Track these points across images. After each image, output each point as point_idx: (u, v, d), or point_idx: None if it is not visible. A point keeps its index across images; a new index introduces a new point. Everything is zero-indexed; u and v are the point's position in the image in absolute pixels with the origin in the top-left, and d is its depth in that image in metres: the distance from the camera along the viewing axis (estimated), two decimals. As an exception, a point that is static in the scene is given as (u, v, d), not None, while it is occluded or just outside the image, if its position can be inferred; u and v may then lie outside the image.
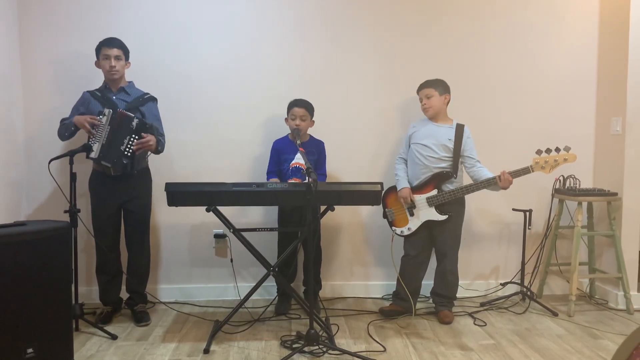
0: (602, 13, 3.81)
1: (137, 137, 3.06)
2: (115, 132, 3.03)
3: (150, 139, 3.10)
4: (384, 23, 3.74)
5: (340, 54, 3.73)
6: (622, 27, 3.59)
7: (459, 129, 3.29)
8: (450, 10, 3.76)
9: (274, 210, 3.66)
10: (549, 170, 3.16)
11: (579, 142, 3.87)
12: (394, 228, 3.38)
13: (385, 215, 3.42)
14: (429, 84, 3.33)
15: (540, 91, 3.85)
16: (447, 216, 3.24)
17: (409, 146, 3.40)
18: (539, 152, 3.17)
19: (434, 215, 3.25)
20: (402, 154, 3.47)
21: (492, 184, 3.16)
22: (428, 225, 3.29)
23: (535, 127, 3.85)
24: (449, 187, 3.26)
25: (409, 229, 3.32)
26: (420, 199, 3.27)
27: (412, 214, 3.31)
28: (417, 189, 3.29)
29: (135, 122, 3.05)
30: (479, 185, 3.19)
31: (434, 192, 3.25)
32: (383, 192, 3.40)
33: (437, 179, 3.26)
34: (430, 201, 3.25)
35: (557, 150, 3.15)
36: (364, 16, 3.72)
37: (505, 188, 3.15)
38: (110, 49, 3.15)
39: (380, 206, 3.35)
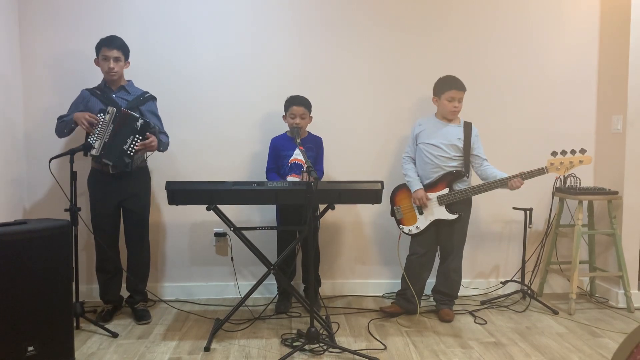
0: (603, 11, 3.80)
1: (140, 137, 3.07)
2: (118, 131, 3.03)
3: (152, 139, 3.11)
4: (385, 21, 3.73)
5: (341, 51, 3.73)
6: (622, 25, 3.58)
7: (467, 127, 3.28)
8: (452, 9, 3.76)
9: (271, 208, 3.65)
10: (563, 172, 3.15)
11: (579, 140, 3.86)
12: (401, 226, 3.35)
13: (393, 213, 3.39)
14: (463, 87, 3.26)
15: (541, 89, 3.85)
16: (457, 215, 3.22)
17: (416, 145, 3.37)
18: (553, 153, 3.15)
19: (444, 214, 3.23)
20: (408, 153, 3.42)
21: (504, 184, 3.14)
22: (436, 224, 3.27)
23: (536, 125, 3.84)
24: (460, 186, 3.24)
25: (417, 227, 3.30)
26: (431, 197, 3.25)
27: (421, 213, 3.29)
28: (427, 187, 3.27)
29: (140, 122, 3.06)
30: (491, 184, 3.17)
31: (446, 190, 3.22)
32: (392, 189, 3.41)
33: (449, 178, 3.24)
34: (441, 200, 3.23)
35: (573, 152, 3.14)
36: (366, 14, 3.72)
37: (513, 189, 3.14)
38: (110, 50, 3.13)
39: (382, 204, 3.33)
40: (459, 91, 3.25)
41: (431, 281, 3.49)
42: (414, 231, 3.31)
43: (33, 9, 3.51)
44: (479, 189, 3.19)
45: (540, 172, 3.14)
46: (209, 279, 3.78)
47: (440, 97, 3.30)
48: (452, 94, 3.25)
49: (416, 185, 3.28)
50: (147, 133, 3.09)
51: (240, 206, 3.67)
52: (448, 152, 3.25)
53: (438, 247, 3.41)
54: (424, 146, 3.31)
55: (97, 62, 3.20)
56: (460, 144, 3.25)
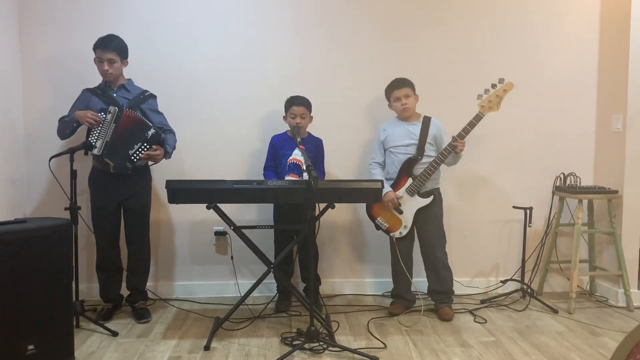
0: (603, 10, 3.80)
1: (148, 146, 3.08)
2: (125, 133, 3.03)
3: (159, 153, 3.14)
4: (383, 20, 3.73)
5: (341, 51, 3.72)
6: (623, 24, 3.58)
7: (425, 121, 3.33)
8: (450, 8, 3.75)
9: (268, 207, 3.64)
10: (497, 107, 3.19)
11: (579, 139, 3.87)
12: (392, 234, 3.36)
13: (377, 227, 3.40)
14: (406, 84, 3.33)
15: (541, 89, 3.84)
16: (432, 197, 3.26)
17: (384, 149, 3.41)
18: (479, 97, 3.20)
19: (420, 202, 3.27)
20: (375, 159, 3.45)
21: (450, 151, 3.17)
22: (417, 216, 3.30)
23: (536, 124, 3.84)
24: (419, 170, 3.27)
25: (405, 227, 3.31)
26: (401, 193, 3.29)
27: (401, 212, 3.31)
28: (393, 187, 3.31)
29: (151, 132, 3.08)
30: (443, 152, 3.18)
31: (409, 180, 3.27)
32: (365, 206, 3.44)
33: (406, 168, 3.29)
34: (410, 191, 3.27)
35: (494, 86, 3.18)
36: (363, 14, 3.71)
37: (459, 152, 3.18)
38: (104, 52, 3.10)
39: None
40: (400, 89, 3.31)
41: (421, 280, 3.50)
42: (405, 232, 3.32)
43: (33, 8, 3.50)
44: (435, 163, 3.20)
45: (478, 118, 3.17)
46: (209, 278, 3.78)
47: (390, 101, 3.38)
48: (396, 94, 3.33)
49: (384, 189, 3.31)
50: (155, 145, 3.11)
51: (237, 205, 3.66)
52: (413, 150, 3.30)
53: (419, 245, 3.42)
54: (393, 149, 3.36)
55: (95, 61, 3.20)
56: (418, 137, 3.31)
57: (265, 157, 3.51)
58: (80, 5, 3.53)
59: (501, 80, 3.19)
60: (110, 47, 3.11)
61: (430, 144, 3.30)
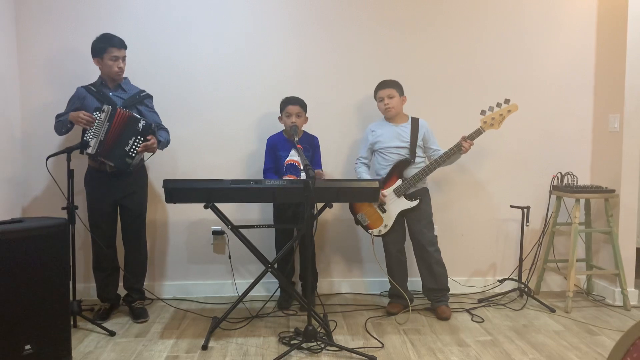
0: (600, 10, 3.81)
1: (142, 138, 3.08)
2: (118, 131, 3.02)
3: (154, 141, 3.14)
4: (381, 21, 3.73)
5: (339, 50, 3.72)
6: (620, 24, 3.59)
7: (414, 123, 3.36)
8: (449, 9, 3.75)
9: (270, 207, 3.65)
10: (498, 126, 3.24)
11: (576, 139, 3.88)
12: (370, 231, 3.38)
13: (358, 222, 3.41)
14: (389, 85, 3.36)
15: (538, 89, 3.85)
16: (418, 201, 3.28)
17: (373, 151, 3.43)
18: (483, 112, 3.23)
19: (405, 204, 3.28)
20: (363, 159, 3.47)
21: (455, 152, 3.20)
22: (402, 216, 3.32)
23: (533, 124, 3.85)
24: (410, 173, 3.29)
25: (385, 226, 3.33)
26: (387, 192, 3.30)
27: (384, 211, 3.32)
28: (382, 184, 3.31)
29: (142, 124, 3.08)
30: (441, 157, 3.22)
31: (399, 182, 3.28)
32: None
33: (398, 169, 3.30)
34: (397, 191, 3.28)
35: (499, 105, 3.21)
36: (362, 13, 3.71)
37: (465, 152, 3.21)
38: (120, 50, 3.16)
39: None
40: (384, 89, 3.35)
41: (416, 279, 3.50)
42: (384, 230, 3.34)
43: (30, 6, 3.50)
44: (430, 167, 3.24)
45: (478, 132, 3.21)
46: (207, 277, 3.78)
47: (377, 101, 3.41)
48: (380, 95, 3.37)
49: None
50: (148, 135, 3.11)
51: (238, 204, 3.67)
52: (404, 152, 3.32)
53: (411, 243, 3.41)
54: (383, 151, 3.37)
55: (97, 61, 3.18)
56: (408, 138, 3.33)
57: (264, 159, 3.50)
58: (77, 4, 3.53)
59: (507, 101, 3.20)
60: (123, 45, 3.18)
61: (420, 146, 3.33)
